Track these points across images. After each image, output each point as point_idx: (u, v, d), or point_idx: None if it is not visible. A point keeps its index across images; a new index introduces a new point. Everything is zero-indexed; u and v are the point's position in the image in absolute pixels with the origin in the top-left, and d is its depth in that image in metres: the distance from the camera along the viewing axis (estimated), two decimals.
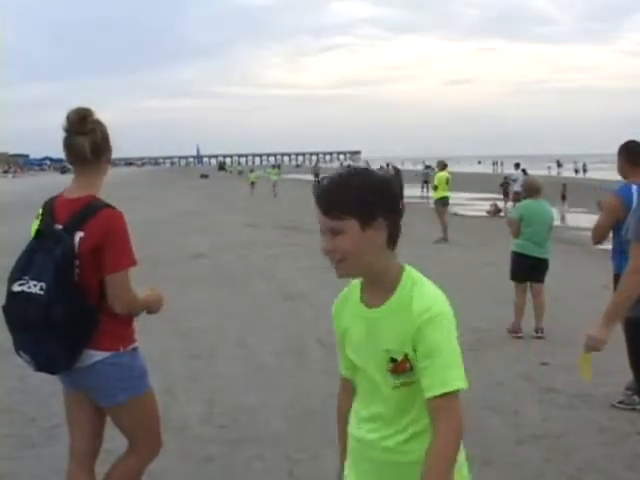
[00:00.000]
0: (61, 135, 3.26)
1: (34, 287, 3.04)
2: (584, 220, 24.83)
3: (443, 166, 19.82)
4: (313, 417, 5.68)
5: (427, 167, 42.56)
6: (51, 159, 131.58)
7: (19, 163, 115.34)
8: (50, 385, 6.36)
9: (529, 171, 30.69)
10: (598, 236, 5.92)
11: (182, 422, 5.46)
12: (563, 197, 28.64)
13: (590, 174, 68.90)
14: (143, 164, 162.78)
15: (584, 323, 8.55)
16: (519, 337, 8.13)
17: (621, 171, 5.87)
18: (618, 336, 8.16)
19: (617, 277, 5.79)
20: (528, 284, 8.41)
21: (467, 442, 5.47)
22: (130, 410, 3.30)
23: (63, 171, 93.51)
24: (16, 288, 3.10)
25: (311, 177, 56.43)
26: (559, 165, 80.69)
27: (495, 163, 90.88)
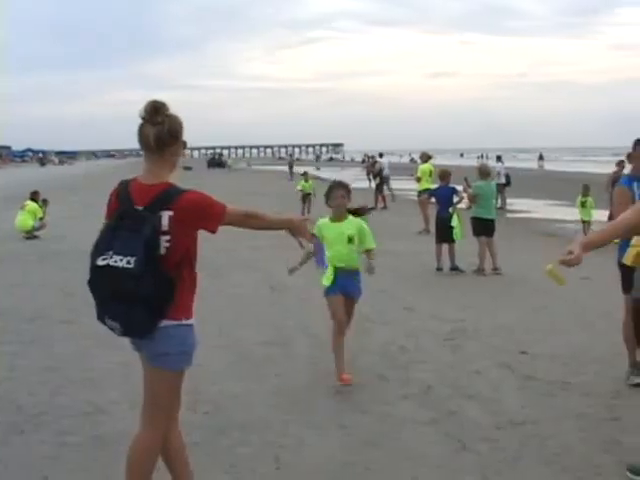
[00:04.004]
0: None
1: (120, 261, 3.31)
2: (564, 213, 25.05)
3: (427, 158, 19.88)
4: (298, 404, 5.76)
5: (412, 160, 42.72)
6: (32, 150, 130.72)
7: (1, 155, 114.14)
8: (37, 375, 6.42)
9: (512, 164, 30.79)
10: None
11: None
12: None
13: (570, 166, 69.76)
14: (126, 155, 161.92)
15: (564, 313, 8.76)
16: (484, 275, 11.00)
17: None
18: (599, 327, 8.32)
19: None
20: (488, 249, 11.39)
21: (446, 428, 5.57)
22: (168, 379, 3.57)
23: (42, 163, 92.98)
24: (100, 262, 3.37)
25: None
26: (541, 158, 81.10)
27: (480, 157, 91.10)
